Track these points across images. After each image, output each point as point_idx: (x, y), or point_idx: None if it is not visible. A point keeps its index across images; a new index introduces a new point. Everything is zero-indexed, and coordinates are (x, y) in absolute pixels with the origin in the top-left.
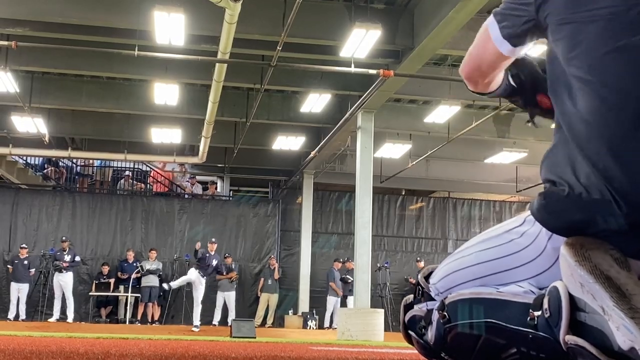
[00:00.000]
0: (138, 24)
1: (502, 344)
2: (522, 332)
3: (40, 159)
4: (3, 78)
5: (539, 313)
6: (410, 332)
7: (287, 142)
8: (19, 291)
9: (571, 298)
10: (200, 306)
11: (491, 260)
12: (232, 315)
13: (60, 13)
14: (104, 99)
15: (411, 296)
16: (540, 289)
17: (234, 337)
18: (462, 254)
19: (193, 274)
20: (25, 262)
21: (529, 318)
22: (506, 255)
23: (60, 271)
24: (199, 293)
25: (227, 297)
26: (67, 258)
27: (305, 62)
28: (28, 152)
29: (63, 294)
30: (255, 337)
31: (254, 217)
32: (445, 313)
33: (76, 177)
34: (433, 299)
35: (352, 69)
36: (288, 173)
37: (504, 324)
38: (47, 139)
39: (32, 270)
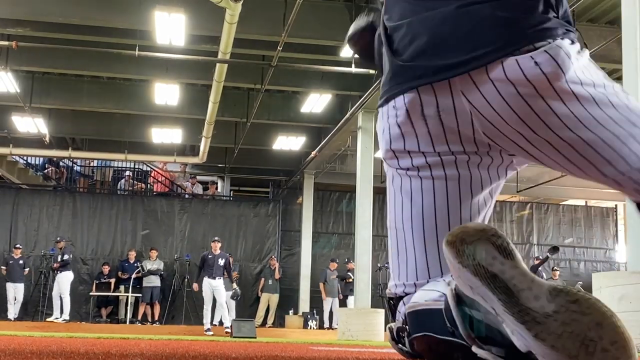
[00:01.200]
0: (139, 24)
1: (444, 352)
2: (447, 340)
3: (41, 159)
4: (4, 78)
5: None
6: (399, 345)
7: (288, 142)
8: (14, 291)
9: (460, 299)
10: (222, 308)
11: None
12: (232, 315)
13: (61, 13)
14: (105, 99)
15: (392, 324)
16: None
17: (234, 337)
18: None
19: (207, 286)
20: (21, 262)
21: (447, 325)
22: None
23: (54, 272)
24: (219, 296)
25: (228, 297)
26: (59, 258)
27: (305, 62)
28: (29, 152)
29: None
30: (255, 337)
31: (255, 217)
32: (405, 327)
33: (77, 177)
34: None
35: (353, 69)
36: (288, 173)
37: (433, 334)
38: (47, 139)
39: (27, 270)
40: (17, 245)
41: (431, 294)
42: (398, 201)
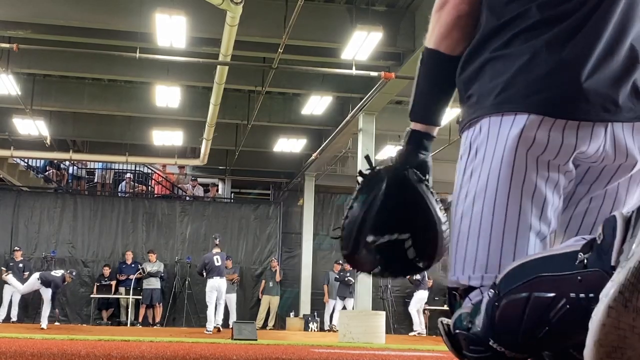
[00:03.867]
0: (139, 27)
1: (550, 298)
2: (571, 276)
3: (42, 161)
4: (5, 80)
5: (587, 255)
6: (457, 331)
7: (289, 145)
8: (12, 293)
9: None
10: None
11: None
12: (233, 317)
13: (62, 15)
14: (106, 101)
15: (444, 319)
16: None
17: (235, 339)
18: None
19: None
20: (21, 264)
21: (577, 261)
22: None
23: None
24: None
25: (228, 299)
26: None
27: (306, 64)
28: (29, 154)
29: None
30: (256, 339)
31: (255, 220)
32: (497, 290)
33: (77, 179)
34: (473, 290)
35: (354, 71)
36: (289, 175)
37: (551, 274)
38: (48, 141)
39: (27, 273)
40: (17, 248)
41: (546, 252)
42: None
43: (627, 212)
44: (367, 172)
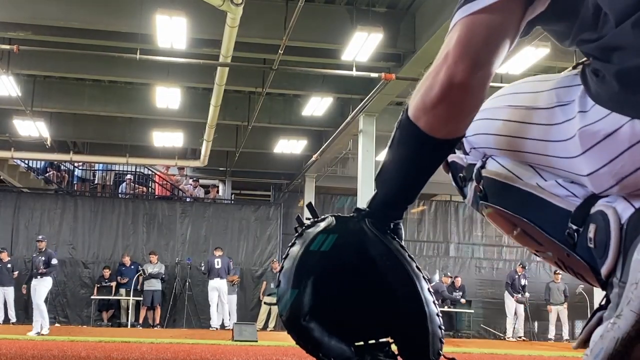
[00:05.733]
0: (140, 28)
1: (537, 243)
2: (559, 245)
3: (42, 162)
4: (5, 82)
5: (579, 229)
6: (451, 171)
7: (289, 146)
8: (4, 295)
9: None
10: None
11: (531, 139)
12: (233, 318)
13: (62, 17)
14: (106, 103)
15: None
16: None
17: (235, 340)
18: (497, 114)
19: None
20: (9, 265)
21: (567, 231)
22: (549, 141)
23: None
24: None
25: (229, 301)
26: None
27: (306, 66)
28: (30, 155)
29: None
30: (257, 341)
31: (256, 221)
32: (482, 187)
33: (77, 181)
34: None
35: (354, 73)
36: (290, 176)
37: (539, 228)
38: (49, 142)
39: (16, 273)
40: (2, 249)
41: (540, 181)
42: None
43: (621, 216)
44: (309, 221)
